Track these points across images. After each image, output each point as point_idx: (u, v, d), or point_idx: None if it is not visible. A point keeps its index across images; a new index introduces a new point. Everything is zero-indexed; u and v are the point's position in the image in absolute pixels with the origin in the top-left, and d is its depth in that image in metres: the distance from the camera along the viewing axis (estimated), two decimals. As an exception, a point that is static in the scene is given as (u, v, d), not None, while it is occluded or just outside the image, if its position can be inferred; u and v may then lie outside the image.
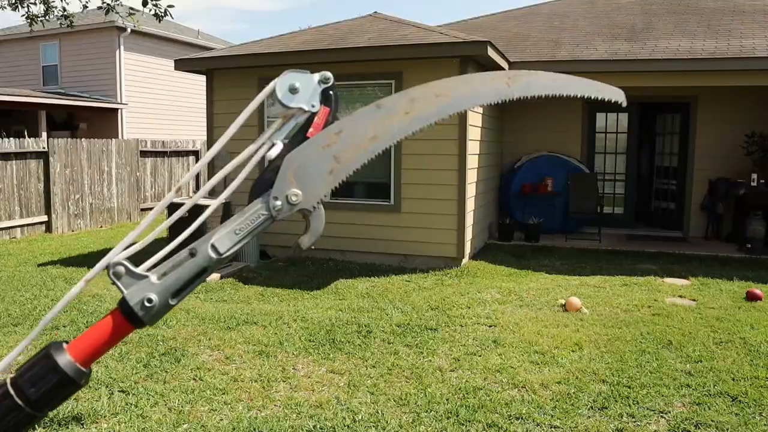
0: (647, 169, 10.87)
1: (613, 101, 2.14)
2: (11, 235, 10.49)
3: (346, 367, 4.14)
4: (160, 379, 3.92)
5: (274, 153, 2.06)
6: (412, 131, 2.10)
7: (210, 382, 3.88)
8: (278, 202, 1.96)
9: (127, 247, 2.14)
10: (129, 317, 1.91)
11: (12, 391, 1.73)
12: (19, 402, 1.74)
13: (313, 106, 2.07)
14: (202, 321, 5.17)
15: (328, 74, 2.09)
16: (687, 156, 9.99)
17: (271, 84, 2.16)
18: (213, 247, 1.96)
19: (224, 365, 4.19)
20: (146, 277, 1.95)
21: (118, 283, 1.93)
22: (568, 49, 9.29)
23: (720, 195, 9.33)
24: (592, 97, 2.15)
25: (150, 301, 1.84)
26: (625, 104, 2.25)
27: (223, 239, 2.01)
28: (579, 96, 2.25)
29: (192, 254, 1.96)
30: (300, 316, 5.31)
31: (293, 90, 2.07)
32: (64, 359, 1.80)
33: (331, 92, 2.13)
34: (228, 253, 2.02)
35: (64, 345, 1.82)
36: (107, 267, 1.96)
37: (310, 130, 2.11)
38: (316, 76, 2.10)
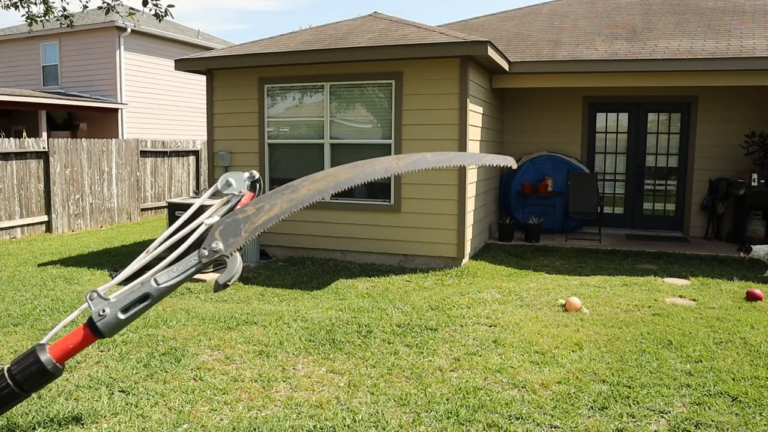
0: (647, 169, 10.85)
1: (502, 166, 2.88)
2: (11, 235, 10.49)
3: (346, 367, 4.14)
4: (160, 379, 3.92)
5: (212, 221, 3.01)
6: (314, 200, 2.97)
7: (210, 382, 3.88)
8: (205, 251, 2.84)
9: (123, 281, 3.13)
10: (93, 329, 2.82)
11: (6, 375, 2.76)
12: (10, 382, 2.77)
13: (240, 192, 3.09)
14: (202, 321, 5.17)
15: (255, 173, 3.07)
16: (687, 156, 9.99)
17: (216, 183, 3.07)
18: (155, 279, 2.82)
19: (224, 365, 4.19)
20: (108, 299, 2.82)
21: (90, 303, 2.83)
22: (568, 49, 9.29)
23: (720, 195, 9.33)
24: (471, 165, 3.00)
25: (103, 311, 2.79)
26: (515, 167, 2.92)
27: (163, 275, 2.84)
28: (461, 165, 3.02)
29: (141, 283, 2.84)
30: (300, 316, 5.31)
31: (228, 184, 3.06)
32: (45, 356, 2.80)
33: (257, 184, 3.10)
34: (164, 285, 2.84)
35: (47, 346, 2.86)
36: (86, 293, 2.79)
37: (237, 207, 3.03)
38: (246, 174, 3.07)
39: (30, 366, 2.75)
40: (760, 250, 7.05)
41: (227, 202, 3.07)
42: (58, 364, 2.80)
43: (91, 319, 2.76)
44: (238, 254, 2.84)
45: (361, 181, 2.91)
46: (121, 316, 2.74)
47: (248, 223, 2.83)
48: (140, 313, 2.78)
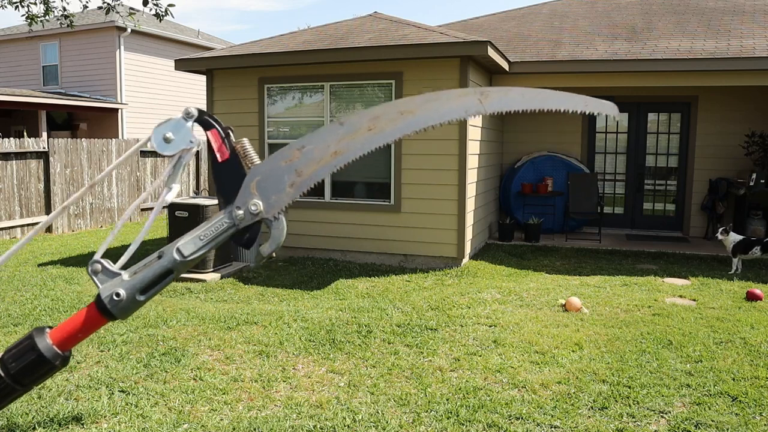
0: (647, 169, 10.86)
1: (604, 115, 2.14)
2: (11, 235, 10.49)
3: (346, 367, 4.14)
4: (160, 379, 3.92)
5: (171, 197, 2.33)
6: (375, 147, 2.23)
7: (210, 382, 3.88)
8: (240, 212, 2.21)
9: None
10: (102, 310, 2.26)
11: None
12: (2, 374, 2.23)
13: (191, 143, 2.32)
14: (202, 321, 5.17)
15: (190, 109, 2.34)
16: (687, 156, 9.99)
17: (145, 138, 2.36)
18: (178, 250, 2.24)
19: (224, 365, 4.19)
20: (119, 274, 2.27)
21: (95, 279, 2.27)
22: (568, 49, 9.29)
23: (720, 195, 9.33)
24: (579, 112, 2.17)
25: (118, 295, 2.22)
26: (618, 118, 2.21)
27: (188, 244, 2.24)
28: (564, 111, 2.21)
29: (159, 256, 2.26)
30: (300, 316, 5.31)
31: (167, 140, 2.30)
32: (43, 342, 2.26)
33: (206, 117, 2.36)
34: (192, 257, 2.23)
35: (47, 330, 2.30)
36: (88, 264, 2.24)
37: (216, 155, 2.33)
38: (180, 115, 2.32)
39: (26, 355, 2.24)
40: (730, 237, 7.26)
41: (179, 160, 2.38)
42: (60, 352, 2.29)
43: (100, 298, 2.27)
44: (282, 216, 2.28)
45: (436, 122, 2.25)
46: (140, 298, 2.27)
47: (293, 174, 2.21)
48: (161, 290, 2.33)
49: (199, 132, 2.41)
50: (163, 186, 2.38)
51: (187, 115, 2.33)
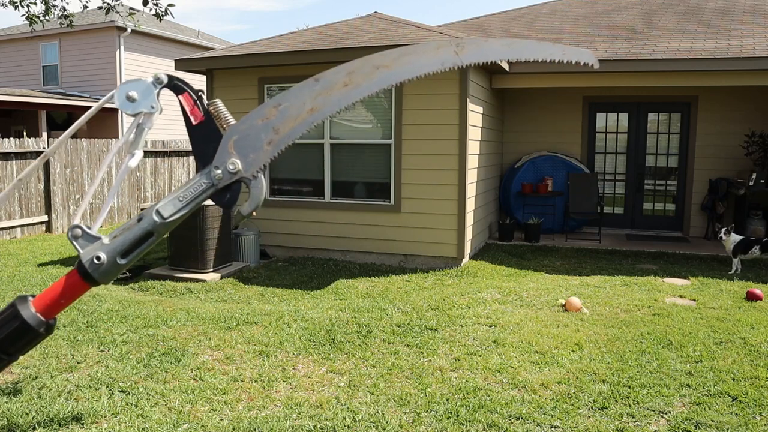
0: (647, 169, 10.86)
1: (582, 63, 2.18)
2: (11, 235, 10.49)
3: (346, 367, 4.14)
4: (160, 379, 3.92)
5: (134, 162, 2.31)
6: (351, 102, 2.28)
7: (210, 382, 3.88)
8: (218, 171, 2.23)
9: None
10: (83, 275, 2.26)
11: None
12: None
13: (152, 107, 2.33)
14: (202, 321, 5.16)
15: (159, 75, 2.35)
16: (687, 156, 9.99)
17: (109, 94, 2.34)
18: (158, 212, 2.25)
19: (224, 365, 4.19)
20: (99, 238, 2.27)
21: (75, 244, 2.25)
22: (568, 49, 9.28)
23: (720, 195, 9.33)
24: (557, 60, 2.19)
25: (98, 258, 2.22)
26: (596, 66, 2.25)
27: (167, 205, 2.25)
28: (542, 60, 2.23)
29: (139, 219, 2.27)
30: (300, 316, 5.31)
31: (130, 99, 2.30)
32: (26, 309, 2.25)
33: (176, 82, 2.38)
34: (172, 218, 2.24)
35: (30, 298, 2.29)
36: (68, 230, 2.24)
37: (190, 117, 2.34)
38: (150, 79, 2.33)
39: (10, 323, 2.24)
40: (732, 237, 7.27)
41: (139, 126, 2.37)
42: (44, 319, 2.29)
43: (81, 263, 2.26)
44: (261, 175, 2.28)
45: (412, 76, 2.30)
46: (121, 261, 2.26)
47: (270, 132, 2.24)
48: (141, 254, 2.32)
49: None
50: (123, 143, 2.37)
51: (157, 81, 2.34)
